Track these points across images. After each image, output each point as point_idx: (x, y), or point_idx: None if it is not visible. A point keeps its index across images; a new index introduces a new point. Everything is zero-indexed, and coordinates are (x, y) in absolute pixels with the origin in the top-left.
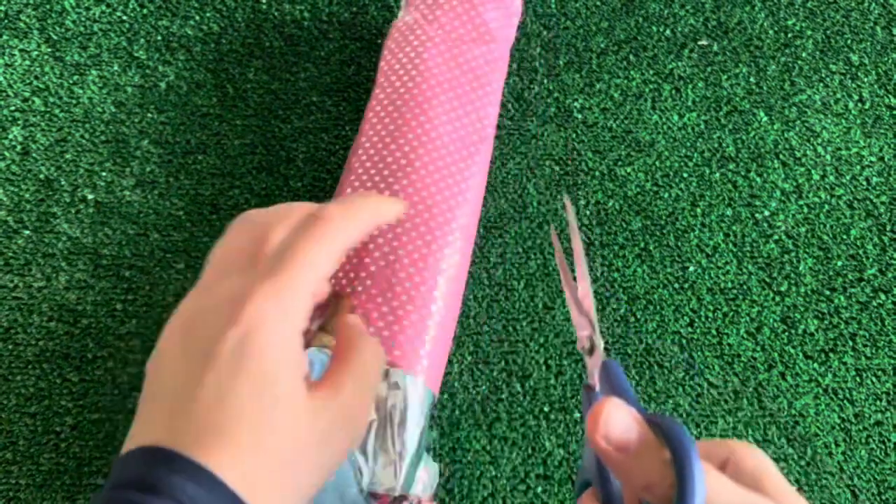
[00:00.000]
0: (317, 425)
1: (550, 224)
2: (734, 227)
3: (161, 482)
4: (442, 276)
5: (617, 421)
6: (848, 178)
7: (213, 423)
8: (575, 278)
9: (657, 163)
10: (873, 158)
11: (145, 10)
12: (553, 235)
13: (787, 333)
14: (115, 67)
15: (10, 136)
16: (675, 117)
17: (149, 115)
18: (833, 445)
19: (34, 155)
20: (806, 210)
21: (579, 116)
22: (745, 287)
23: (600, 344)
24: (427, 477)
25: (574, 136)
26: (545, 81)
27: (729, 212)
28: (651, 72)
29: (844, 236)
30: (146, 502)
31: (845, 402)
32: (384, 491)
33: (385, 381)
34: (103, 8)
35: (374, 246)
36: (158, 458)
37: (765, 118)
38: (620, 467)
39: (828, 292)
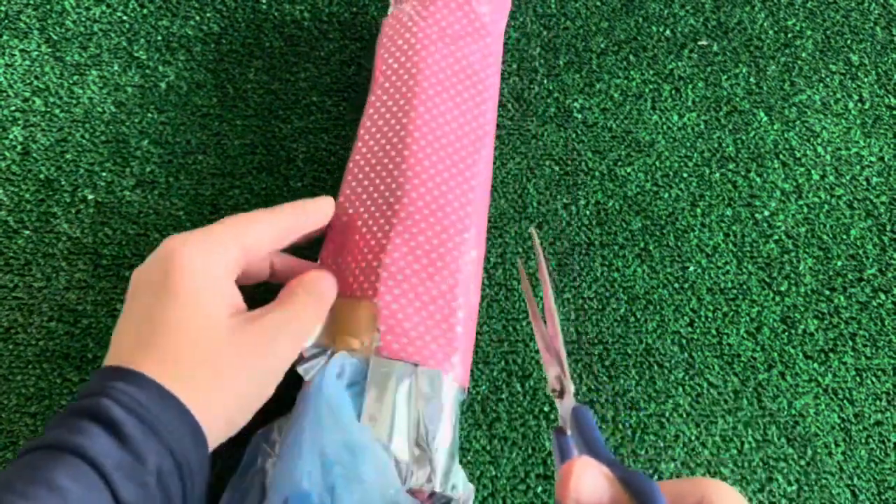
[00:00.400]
0: (234, 339)
1: (518, 258)
2: (734, 227)
3: (102, 387)
4: (462, 274)
5: (587, 483)
6: (848, 178)
7: (141, 342)
8: (544, 318)
9: (657, 163)
10: (873, 158)
11: (145, 11)
12: (521, 269)
13: (786, 333)
14: (116, 67)
15: (11, 137)
16: (675, 117)
17: (149, 115)
18: (833, 445)
19: (34, 155)
20: (806, 210)
21: (579, 116)
22: (744, 287)
23: (570, 387)
24: (462, 476)
25: (574, 136)
26: (545, 81)
27: (729, 212)
28: (651, 72)
29: (844, 236)
30: (91, 403)
31: (845, 401)
32: (423, 488)
33: (418, 380)
34: (103, 8)
35: (392, 247)
36: (103, 373)
37: (765, 118)
38: None
39: (828, 292)
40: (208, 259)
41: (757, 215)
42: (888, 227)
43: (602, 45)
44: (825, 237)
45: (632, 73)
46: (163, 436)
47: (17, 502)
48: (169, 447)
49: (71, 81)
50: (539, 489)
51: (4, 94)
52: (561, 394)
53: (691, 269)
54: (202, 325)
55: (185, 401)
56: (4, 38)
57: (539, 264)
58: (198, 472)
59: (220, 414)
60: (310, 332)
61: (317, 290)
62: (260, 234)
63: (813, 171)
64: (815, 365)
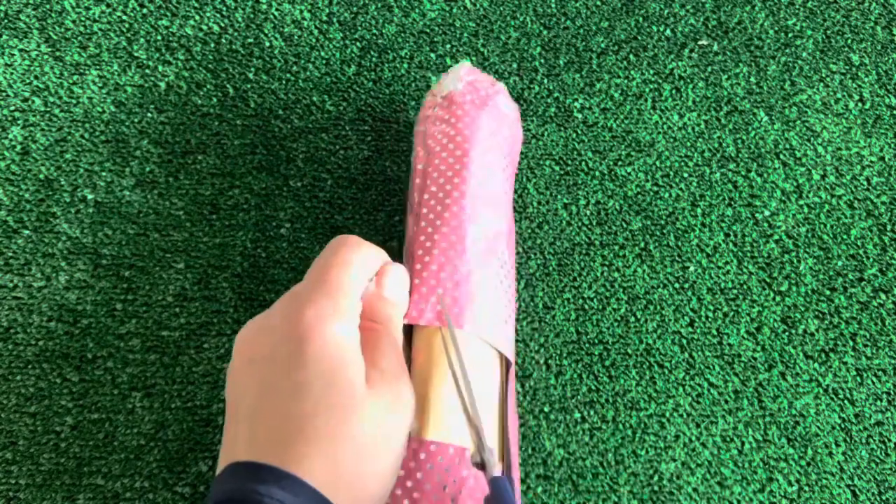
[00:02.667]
0: (377, 415)
1: (441, 328)
2: (734, 227)
3: (251, 492)
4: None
5: None
6: (848, 177)
7: (286, 431)
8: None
9: (657, 163)
10: (874, 158)
11: (145, 10)
12: (446, 340)
13: (787, 333)
14: (115, 67)
15: (10, 136)
16: (676, 117)
17: (148, 114)
18: (833, 445)
19: (34, 155)
20: (806, 210)
21: (579, 116)
22: (745, 287)
23: (490, 459)
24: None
25: (574, 135)
26: (545, 81)
27: (729, 212)
28: (651, 72)
29: (845, 236)
30: None
31: (846, 402)
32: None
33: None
34: (103, 8)
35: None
36: (245, 472)
37: (765, 118)
38: None
39: (828, 292)
40: (338, 322)
41: (757, 215)
42: (888, 227)
43: (602, 45)
44: (826, 237)
45: (632, 72)
46: None
47: None
48: None
49: (70, 81)
50: (539, 489)
51: (4, 94)
52: (482, 466)
53: (691, 269)
54: (352, 409)
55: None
56: (4, 37)
57: (450, 357)
58: None
59: (377, 500)
60: (403, 364)
61: (387, 319)
62: (365, 265)
63: (813, 171)
64: (816, 365)
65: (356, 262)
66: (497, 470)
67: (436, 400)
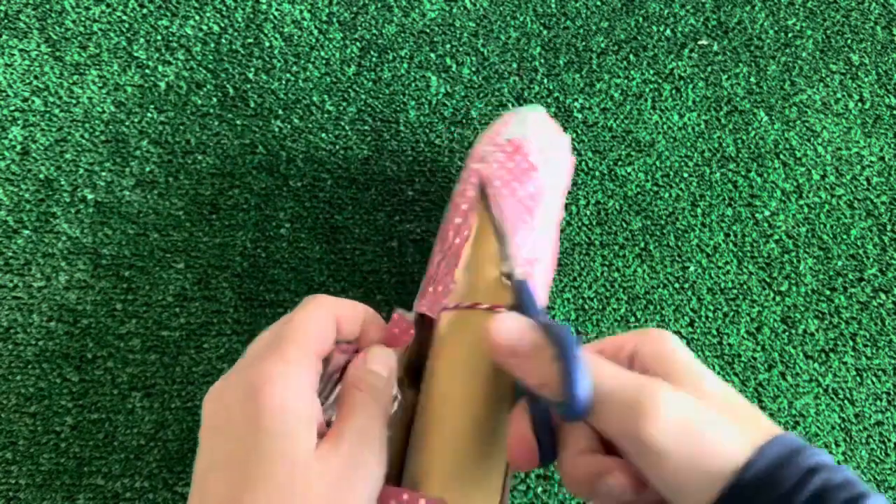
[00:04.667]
0: (324, 476)
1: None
2: (734, 227)
3: None
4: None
5: (507, 326)
6: (848, 177)
7: (227, 498)
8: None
9: (657, 163)
10: (873, 158)
11: (145, 10)
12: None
13: (787, 333)
14: (115, 67)
15: (10, 136)
16: (676, 117)
17: (148, 114)
18: (833, 445)
19: (34, 155)
20: (806, 210)
21: (579, 116)
22: (745, 287)
23: (513, 265)
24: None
25: (574, 135)
26: (545, 81)
27: (729, 212)
28: (651, 72)
29: (845, 236)
30: None
31: (845, 402)
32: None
33: None
34: (103, 8)
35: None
36: None
37: (765, 118)
38: (516, 370)
39: (828, 292)
40: (296, 392)
41: (757, 215)
42: (888, 227)
43: (602, 45)
44: (825, 237)
45: (632, 72)
46: None
47: None
48: None
49: (70, 81)
50: (539, 489)
51: (4, 94)
52: (508, 275)
53: (691, 269)
54: (292, 477)
55: None
56: (4, 37)
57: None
58: None
59: None
60: (381, 439)
61: (371, 389)
62: (323, 322)
63: (813, 171)
64: (816, 365)
65: (316, 323)
66: (519, 274)
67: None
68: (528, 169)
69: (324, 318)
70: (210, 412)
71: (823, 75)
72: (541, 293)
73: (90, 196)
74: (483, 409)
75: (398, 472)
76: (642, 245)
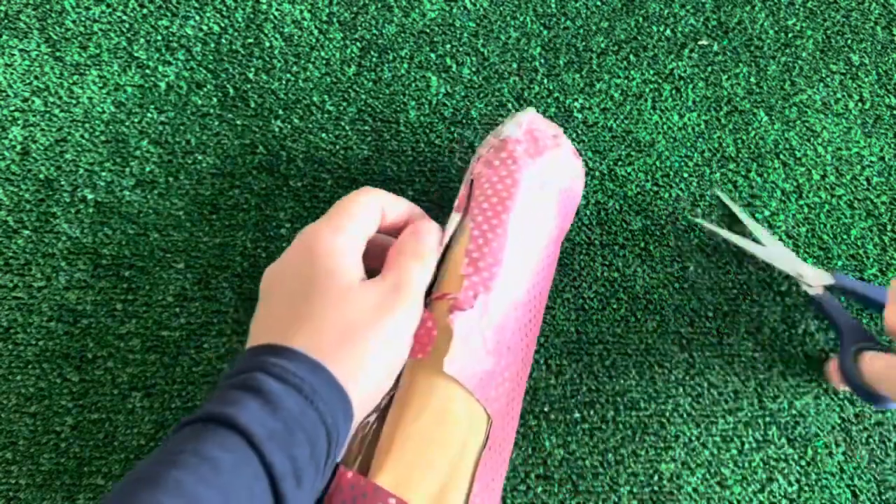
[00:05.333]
0: (366, 307)
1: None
2: (734, 227)
3: (256, 364)
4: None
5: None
6: (848, 177)
7: (289, 316)
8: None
9: (657, 163)
10: (873, 158)
11: (145, 10)
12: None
13: (787, 333)
14: (115, 67)
15: (10, 136)
16: (676, 117)
17: (148, 115)
18: (833, 445)
19: (34, 155)
20: (806, 210)
21: (579, 116)
22: (745, 287)
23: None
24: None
25: (574, 135)
26: (545, 81)
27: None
28: (651, 72)
29: (845, 236)
30: (245, 376)
31: (845, 402)
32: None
33: None
34: (103, 8)
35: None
36: (252, 352)
37: (765, 118)
38: None
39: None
40: (343, 243)
41: (757, 215)
42: (888, 227)
43: (602, 45)
44: (826, 237)
45: (632, 72)
46: (318, 407)
47: (171, 472)
48: (323, 420)
49: (70, 81)
50: (539, 489)
51: (4, 94)
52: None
53: (691, 268)
54: (341, 295)
55: (333, 372)
56: (4, 37)
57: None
58: (341, 446)
59: (366, 383)
60: (421, 292)
61: (418, 251)
62: (372, 204)
63: (813, 171)
64: (816, 365)
65: (365, 204)
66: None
67: (402, 440)
68: (509, 165)
69: (371, 202)
70: (272, 274)
71: (823, 75)
72: (499, 295)
73: (90, 196)
74: (440, 400)
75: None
76: (642, 245)
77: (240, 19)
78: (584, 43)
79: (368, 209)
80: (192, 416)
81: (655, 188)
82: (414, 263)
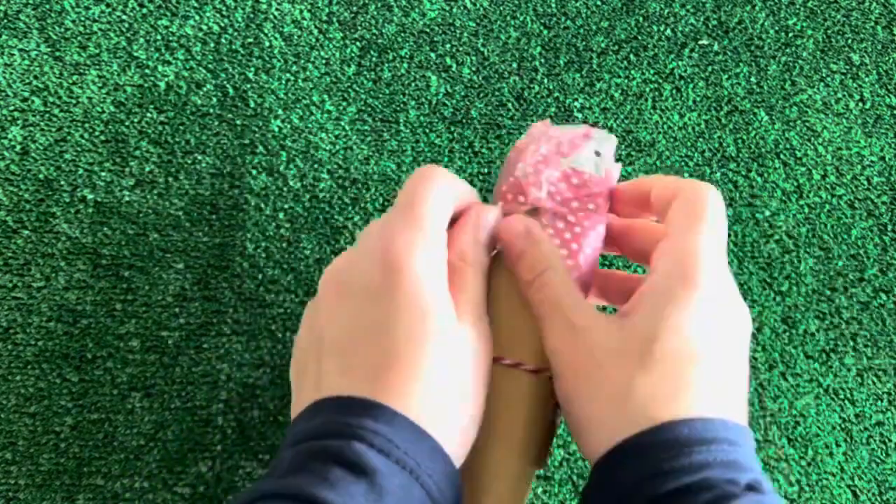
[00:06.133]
0: (464, 348)
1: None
2: (735, 227)
3: (343, 426)
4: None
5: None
6: (849, 177)
7: (377, 363)
8: None
9: (658, 162)
10: (874, 158)
11: (145, 10)
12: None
13: (787, 333)
14: (115, 67)
15: (9, 136)
16: (676, 117)
17: (148, 114)
18: (834, 446)
19: (33, 155)
20: (807, 210)
21: (579, 116)
22: (745, 287)
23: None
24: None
25: None
26: (545, 81)
27: (730, 212)
28: (651, 71)
29: (845, 236)
30: (340, 445)
31: (846, 402)
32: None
33: None
34: (103, 7)
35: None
36: (335, 406)
37: (765, 118)
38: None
39: (829, 292)
40: (425, 249)
41: (758, 215)
42: (889, 227)
43: (602, 45)
44: (826, 237)
45: (632, 72)
46: (424, 482)
47: None
48: (431, 496)
49: (70, 81)
50: (539, 490)
51: (3, 94)
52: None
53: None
54: (439, 342)
55: (435, 436)
56: (3, 37)
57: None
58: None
59: (463, 437)
60: (484, 301)
61: (472, 258)
62: (450, 191)
63: (814, 171)
64: (816, 365)
65: (444, 193)
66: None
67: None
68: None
69: (448, 191)
70: (338, 276)
71: (824, 75)
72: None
73: (90, 196)
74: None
75: None
76: None
77: (239, 19)
78: (584, 42)
79: (449, 202)
80: (278, 487)
81: None
82: (481, 276)
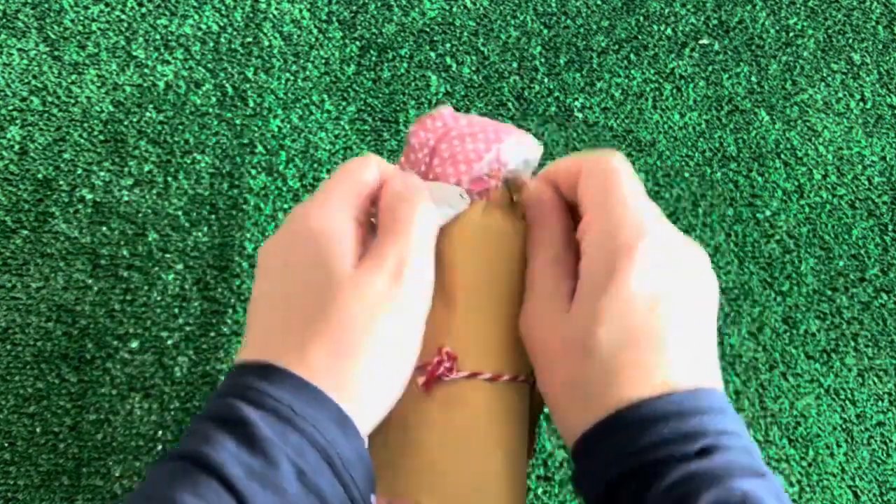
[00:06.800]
0: (362, 292)
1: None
2: (736, 227)
3: (236, 385)
4: None
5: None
6: (849, 177)
7: (273, 321)
8: None
9: (658, 162)
10: (875, 158)
11: (144, 9)
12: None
13: (788, 334)
14: (114, 66)
15: (8, 136)
16: (677, 116)
17: (147, 114)
18: (835, 446)
19: (32, 154)
20: (807, 210)
21: (580, 116)
22: (746, 287)
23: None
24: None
25: (575, 135)
26: (546, 80)
27: (730, 211)
28: (652, 71)
29: (846, 236)
30: (221, 404)
31: (847, 402)
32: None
33: None
34: (102, 7)
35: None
36: (235, 374)
37: (766, 117)
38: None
39: (829, 292)
40: (333, 219)
41: (758, 215)
42: (890, 227)
43: (603, 44)
44: (827, 237)
45: (633, 72)
46: (303, 429)
47: None
48: (313, 441)
49: (69, 80)
50: (539, 490)
51: (2, 94)
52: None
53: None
54: (330, 294)
55: (326, 388)
56: (2, 36)
57: None
58: (356, 463)
59: (368, 396)
60: (428, 267)
61: (401, 214)
62: (369, 177)
63: (815, 171)
64: (817, 365)
65: (353, 168)
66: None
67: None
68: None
69: (361, 161)
70: (265, 255)
71: (825, 75)
72: None
73: (88, 196)
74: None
75: None
76: None
77: (239, 18)
78: (584, 42)
79: (356, 166)
80: (174, 450)
81: (657, 188)
82: (415, 228)
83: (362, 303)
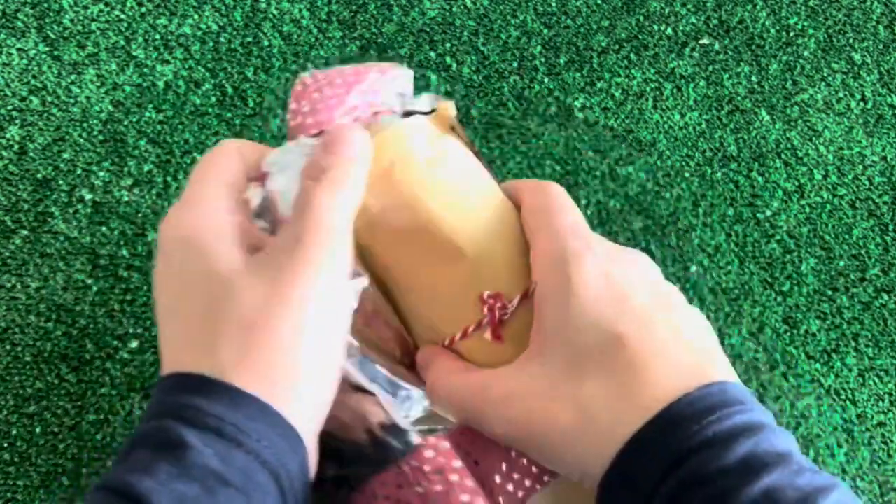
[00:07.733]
0: (254, 284)
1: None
2: (736, 227)
3: (168, 406)
4: None
5: None
6: (850, 177)
7: (167, 332)
8: None
9: (658, 162)
10: (876, 158)
11: (143, 9)
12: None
13: (788, 334)
14: (113, 66)
15: (8, 136)
16: (677, 116)
17: (147, 114)
18: (835, 447)
19: (31, 154)
20: (808, 210)
21: (580, 115)
22: (746, 287)
23: None
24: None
25: (575, 135)
26: (546, 80)
27: (731, 211)
28: (652, 71)
29: (847, 236)
30: (154, 427)
31: (847, 402)
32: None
33: None
34: (101, 6)
35: None
36: (166, 387)
37: (766, 117)
38: None
39: (830, 292)
40: (203, 217)
41: (759, 215)
42: (891, 227)
43: (603, 44)
44: (827, 237)
45: (633, 71)
46: (251, 449)
47: None
48: (263, 463)
49: (68, 80)
50: None
51: (1, 94)
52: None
53: (693, 269)
54: (225, 293)
55: (265, 398)
56: (1, 36)
57: None
58: (299, 477)
59: (304, 386)
60: (342, 236)
61: (329, 175)
62: (233, 165)
63: (815, 171)
64: (818, 366)
65: (213, 160)
66: None
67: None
68: None
69: (219, 150)
70: (157, 274)
71: (825, 74)
72: None
73: (88, 196)
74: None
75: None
76: (643, 245)
77: (238, 18)
78: (584, 41)
79: (224, 164)
80: (100, 481)
81: (657, 188)
82: (323, 196)
83: (257, 294)
